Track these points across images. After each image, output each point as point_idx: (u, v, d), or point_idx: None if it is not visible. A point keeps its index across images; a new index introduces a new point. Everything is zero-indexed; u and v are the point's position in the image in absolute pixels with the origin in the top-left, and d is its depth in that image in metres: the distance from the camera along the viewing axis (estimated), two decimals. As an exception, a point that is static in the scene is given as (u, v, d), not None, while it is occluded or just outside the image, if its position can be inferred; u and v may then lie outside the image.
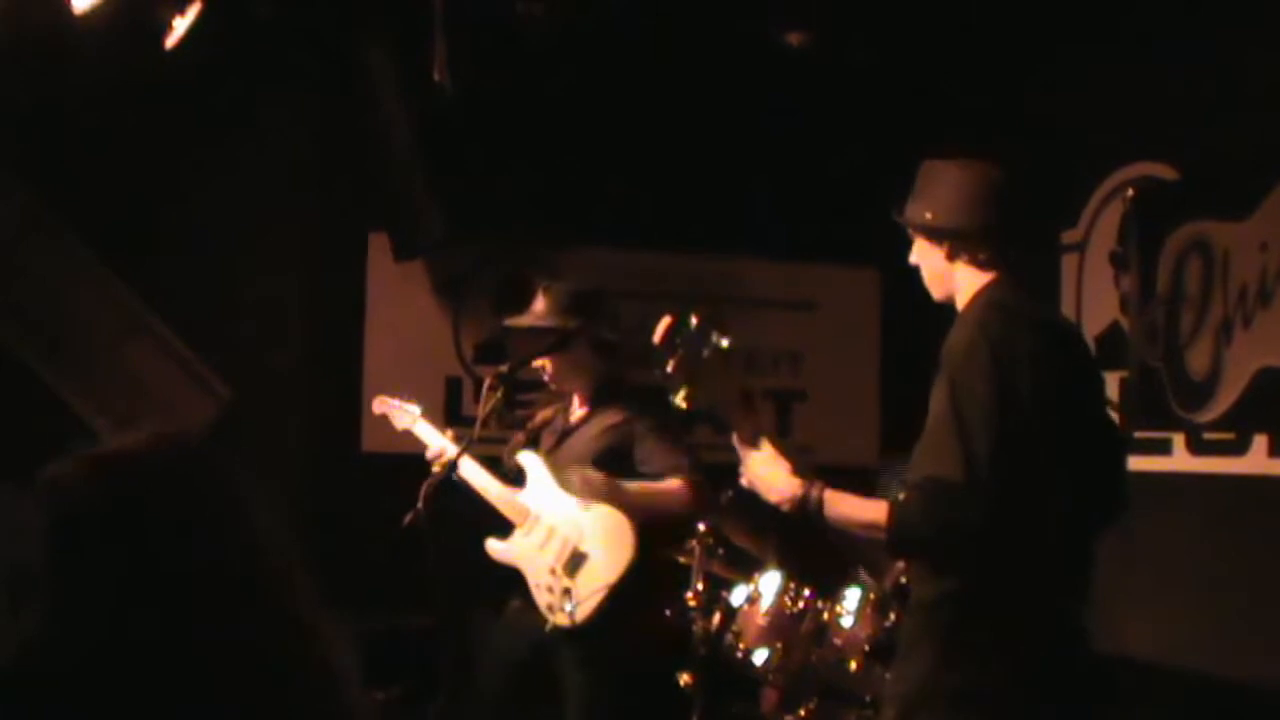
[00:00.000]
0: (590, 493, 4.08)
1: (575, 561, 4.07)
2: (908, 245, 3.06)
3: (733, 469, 3.03)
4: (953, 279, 2.97)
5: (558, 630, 4.05)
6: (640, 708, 4.19)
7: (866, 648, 3.88)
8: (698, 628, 4.17)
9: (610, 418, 4.20)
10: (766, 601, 4.17)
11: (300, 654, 1.20)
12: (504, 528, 4.25)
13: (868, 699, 3.97)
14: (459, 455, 4.06)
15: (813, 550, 3.73)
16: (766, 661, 4.12)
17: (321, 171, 5.80)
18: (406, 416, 4.41)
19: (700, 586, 4.20)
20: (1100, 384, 3.60)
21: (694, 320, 2.95)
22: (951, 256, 2.96)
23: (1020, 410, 2.70)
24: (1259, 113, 4.81)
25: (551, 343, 4.13)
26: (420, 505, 3.77)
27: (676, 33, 5.61)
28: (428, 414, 4.45)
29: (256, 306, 5.65)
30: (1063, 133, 5.65)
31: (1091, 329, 5.53)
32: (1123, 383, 5.42)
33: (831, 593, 4.11)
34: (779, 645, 4.11)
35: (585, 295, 4.23)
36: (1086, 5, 5.36)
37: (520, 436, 4.41)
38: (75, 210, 5.21)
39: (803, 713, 4.17)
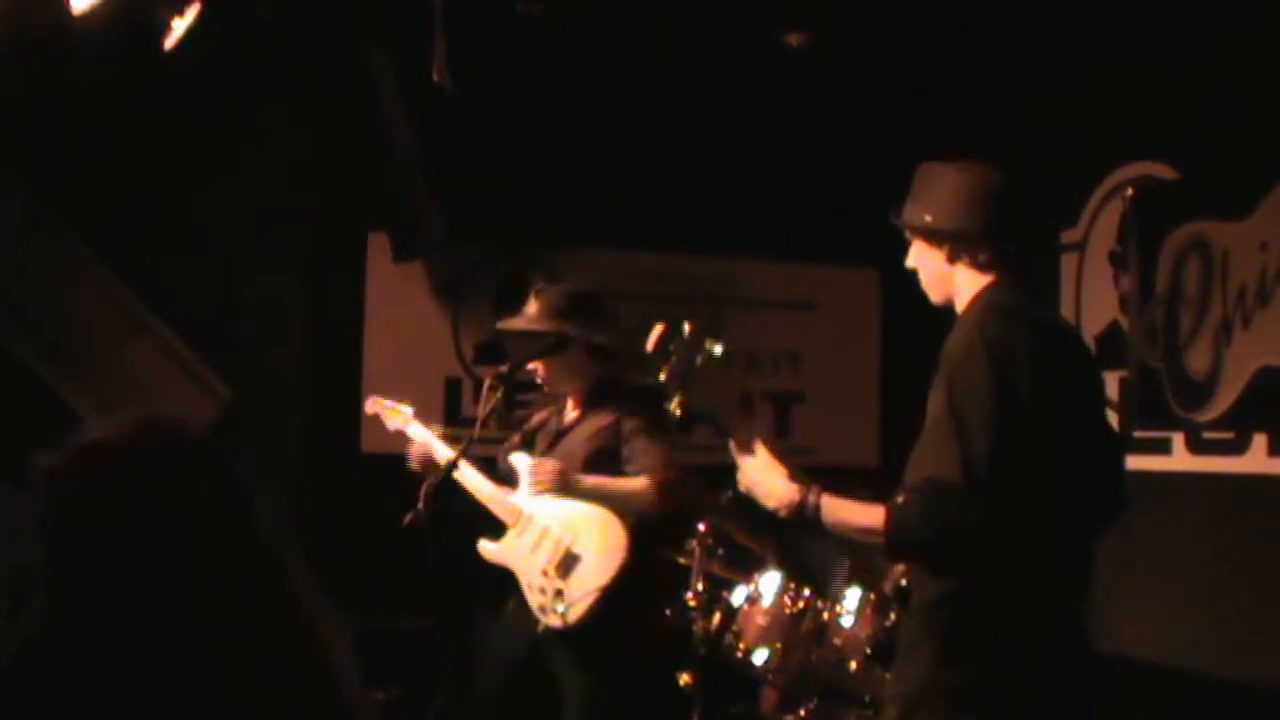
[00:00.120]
0: (543, 483, 4.08)
1: (568, 563, 4.06)
2: (906, 248, 3.06)
3: (732, 470, 3.03)
4: (952, 282, 2.97)
5: (550, 631, 4.05)
6: (640, 708, 4.19)
7: (868, 650, 3.88)
8: (698, 628, 4.17)
9: (602, 420, 4.19)
10: (766, 601, 4.17)
11: (300, 654, 1.20)
12: (503, 529, 4.25)
13: (867, 699, 3.96)
14: (459, 456, 4.05)
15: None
16: (766, 661, 4.11)
17: (321, 171, 5.80)
18: (399, 417, 4.41)
19: (700, 587, 4.20)
20: (1100, 385, 3.60)
21: (687, 327, 2.95)
22: (951, 259, 2.95)
23: (1020, 411, 2.69)
24: (1259, 113, 4.81)
25: (547, 346, 4.13)
26: (420, 505, 3.77)
27: (676, 33, 5.61)
28: (427, 414, 4.45)
29: (256, 306, 5.65)
30: (1063, 133, 5.65)
31: (1091, 329, 5.53)
32: (1123, 382, 5.42)
33: (831, 593, 4.11)
34: (779, 645, 4.10)
35: (578, 298, 4.22)
36: (1086, 5, 5.36)
37: (515, 438, 4.41)
38: (75, 210, 5.21)
39: (803, 713, 4.17)
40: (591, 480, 4.09)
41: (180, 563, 1.16)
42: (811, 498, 2.84)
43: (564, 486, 4.07)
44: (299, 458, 5.60)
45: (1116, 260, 5.52)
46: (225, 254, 5.53)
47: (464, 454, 4.06)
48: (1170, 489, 5.03)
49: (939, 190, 2.97)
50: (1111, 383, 5.38)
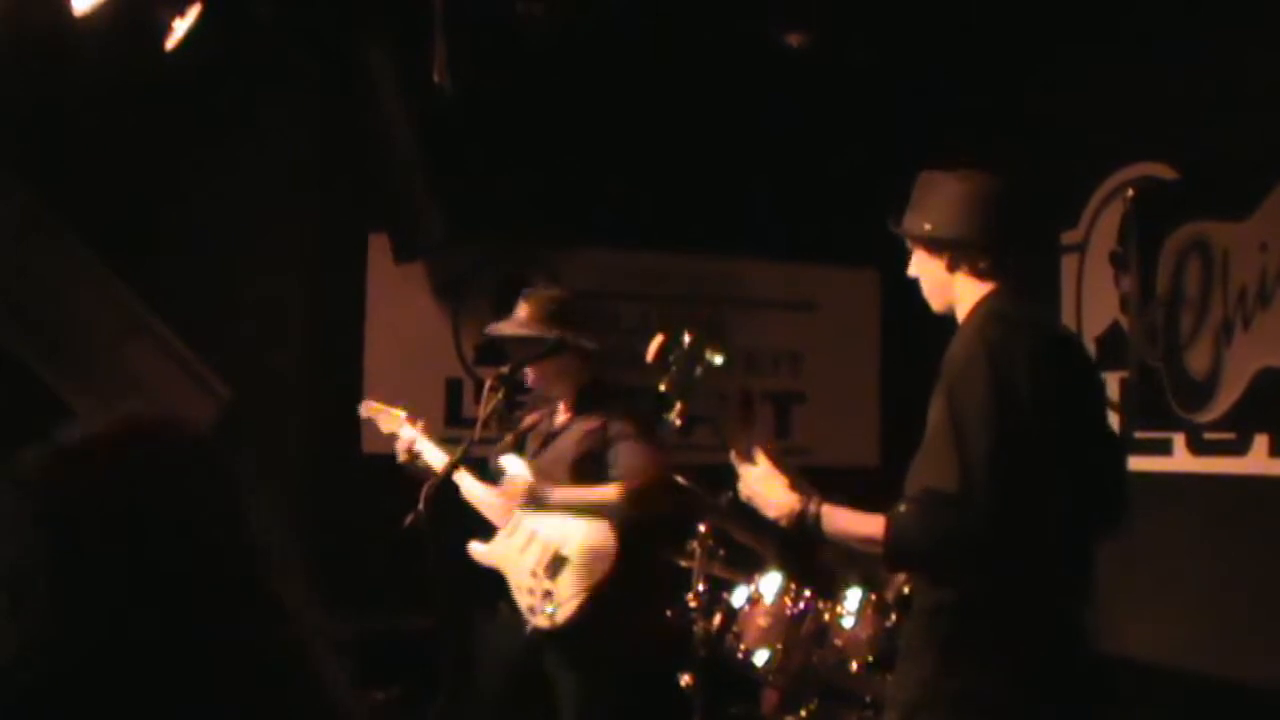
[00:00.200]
0: (512, 499, 4.11)
1: (556, 564, 4.06)
2: (907, 253, 3.06)
3: (732, 469, 3.02)
4: (953, 290, 2.97)
5: (539, 632, 4.06)
6: (641, 708, 4.19)
7: (870, 657, 3.88)
8: (698, 629, 4.17)
9: (590, 423, 4.20)
10: (767, 602, 4.17)
11: (300, 654, 1.20)
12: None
13: (868, 700, 3.97)
14: (460, 456, 4.06)
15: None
16: (767, 662, 4.12)
17: (321, 171, 5.80)
18: (394, 421, 4.42)
19: (701, 588, 4.20)
20: (1101, 390, 3.61)
21: (687, 338, 2.96)
22: (952, 267, 2.96)
23: (1020, 416, 2.69)
24: (1259, 113, 4.81)
25: (546, 350, 4.13)
26: (421, 506, 3.77)
27: (676, 33, 5.61)
28: (427, 415, 4.45)
29: (256, 306, 5.65)
30: (1063, 133, 5.65)
31: (1091, 329, 5.53)
32: (1123, 383, 5.42)
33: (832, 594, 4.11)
34: (779, 646, 4.11)
35: (567, 303, 4.23)
36: (1086, 5, 5.36)
37: (508, 439, 4.42)
38: (75, 210, 5.21)
39: (803, 713, 4.17)
40: (560, 493, 4.10)
41: (180, 562, 1.16)
42: (812, 507, 2.84)
43: (533, 503, 4.09)
44: (299, 458, 5.60)
45: (1117, 261, 5.52)
46: (225, 254, 5.53)
47: (465, 454, 4.07)
48: (1171, 490, 5.03)
49: (938, 199, 2.97)
50: (1112, 383, 5.38)
